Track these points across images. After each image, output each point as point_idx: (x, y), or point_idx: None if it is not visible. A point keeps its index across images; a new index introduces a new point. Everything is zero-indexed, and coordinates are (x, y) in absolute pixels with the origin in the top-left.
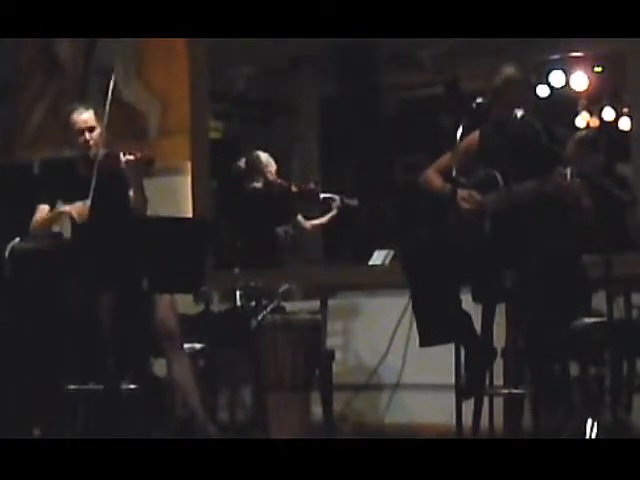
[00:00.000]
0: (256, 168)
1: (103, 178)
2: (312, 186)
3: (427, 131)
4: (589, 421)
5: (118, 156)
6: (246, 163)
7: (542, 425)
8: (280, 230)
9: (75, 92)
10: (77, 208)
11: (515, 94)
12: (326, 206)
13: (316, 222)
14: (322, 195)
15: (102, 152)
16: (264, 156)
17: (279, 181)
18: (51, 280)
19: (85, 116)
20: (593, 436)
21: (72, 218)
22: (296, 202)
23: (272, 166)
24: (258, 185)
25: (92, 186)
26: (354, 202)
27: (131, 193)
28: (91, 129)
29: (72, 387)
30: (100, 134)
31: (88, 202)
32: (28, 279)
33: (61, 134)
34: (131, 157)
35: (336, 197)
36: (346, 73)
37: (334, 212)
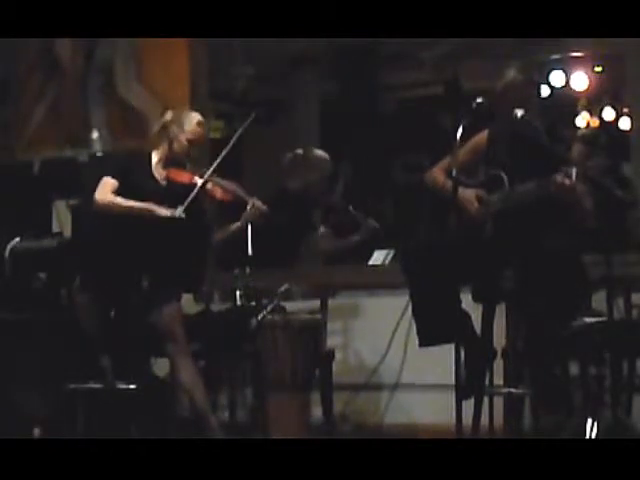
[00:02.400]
0: (301, 165)
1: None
2: (346, 205)
3: (427, 131)
4: (589, 421)
5: (243, 201)
6: (294, 158)
7: (542, 425)
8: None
9: (75, 92)
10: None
11: (518, 96)
12: (351, 222)
13: (344, 243)
14: (350, 210)
15: (226, 184)
16: (318, 155)
17: (321, 186)
18: (51, 280)
19: (204, 131)
20: (593, 436)
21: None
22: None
23: (324, 166)
24: (294, 186)
25: (189, 199)
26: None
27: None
28: (202, 142)
29: (72, 386)
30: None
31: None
32: (28, 278)
33: (62, 133)
34: (260, 205)
35: (369, 221)
36: (346, 73)
37: (361, 237)
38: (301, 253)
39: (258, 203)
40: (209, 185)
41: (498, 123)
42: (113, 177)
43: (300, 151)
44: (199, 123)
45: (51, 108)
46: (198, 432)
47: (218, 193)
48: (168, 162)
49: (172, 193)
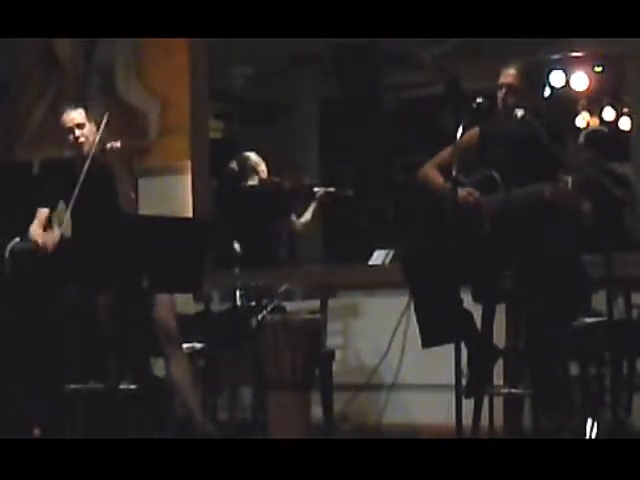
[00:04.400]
0: (248, 168)
1: (93, 175)
2: (306, 182)
3: (427, 131)
4: (589, 421)
5: (106, 148)
6: (237, 164)
7: (542, 425)
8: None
9: (75, 91)
10: (50, 238)
11: (519, 94)
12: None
13: (304, 219)
14: (315, 189)
15: (96, 148)
16: (254, 156)
17: (272, 179)
18: (51, 280)
19: (72, 114)
20: (593, 436)
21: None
22: (291, 200)
23: (262, 165)
24: (251, 184)
25: (77, 184)
26: (336, 191)
27: (119, 190)
28: (79, 126)
29: (72, 387)
30: (91, 131)
31: (67, 214)
32: (28, 279)
33: (61, 133)
34: (117, 144)
35: (321, 189)
36: (346, 73)
37: (315, 204)
38: (274, 243)
39: (111, 142)
40: (104, 151)
41: (492, 122)
42: (45, 206)
43: (236, 161)
44: (67, 112)
45: (51, 108)
46: (194, 430)
47: (109, 151)
48: (79, 159)
49: (91, 184)
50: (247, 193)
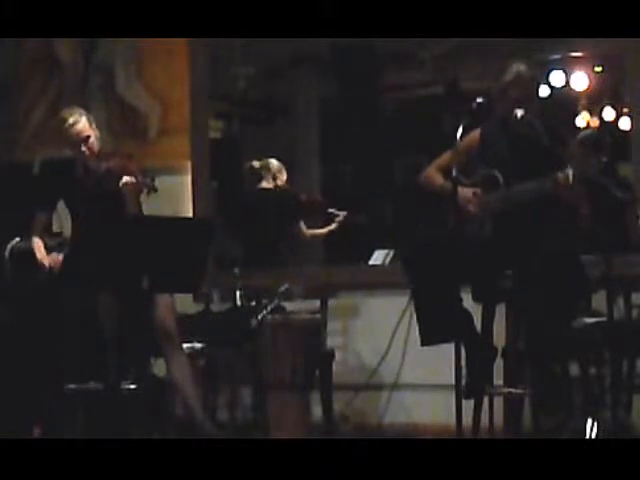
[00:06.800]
0: (268, 172)
1: (100, 190)
2: (319, 198)
3: (427, 131)
4: (589, 421)
5: (119, 177)
6: (260, 166)
7: (542, 425)
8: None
9: (75, 92)
10: (53, 259)
11: (521, 93)
12: (329, 218)
13: (317, 232)
14: (329, 210)
15: (104, 166)
16: (275, 162)
17: (286, 187)
18: (51, 280)
19: (78, 127)
20: (593, 436)
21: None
22: (301, 210)
23: (284, 173)
24: (266, 187)
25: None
26: (358, 218)
27: (127, 208)
28: (86, 139)
29: (72, 387)
30: (96, 139)
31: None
32: (28, 279)
33: (61, 134)
34: (132, 180)
35: (340, 213)
36: (346, 73)
37: (334, 226)
38: (283, 246)
39: (136, 179)
40: (114, 176)
41: (493, 122)
42: (46, 205)
43: (257, 162)
44: (71, 123)
45: (51, 108)
46: (195, 430)
47: (122, 180)
48: (85, 168)
49: (98, 197)
50: (260, 195)
